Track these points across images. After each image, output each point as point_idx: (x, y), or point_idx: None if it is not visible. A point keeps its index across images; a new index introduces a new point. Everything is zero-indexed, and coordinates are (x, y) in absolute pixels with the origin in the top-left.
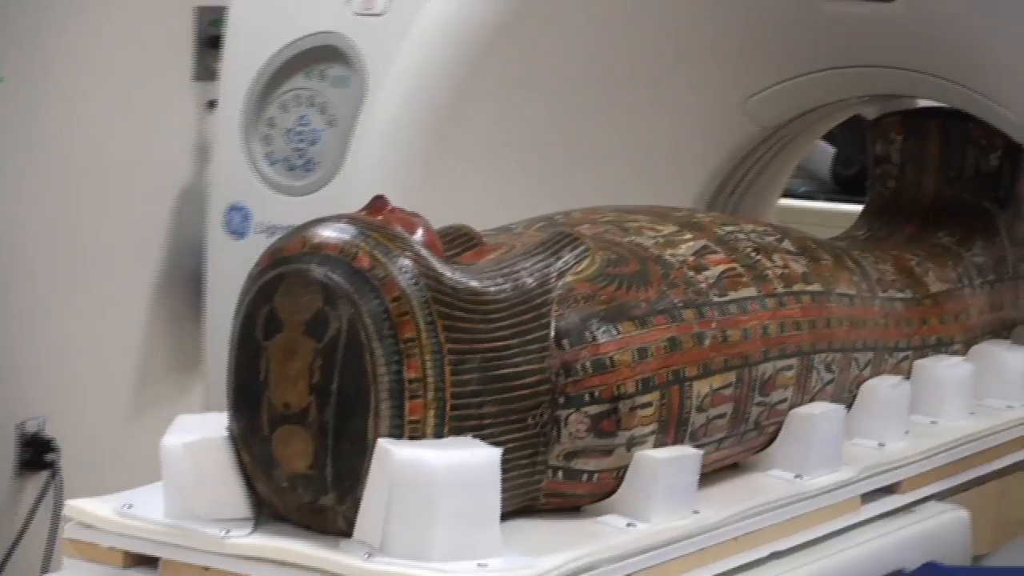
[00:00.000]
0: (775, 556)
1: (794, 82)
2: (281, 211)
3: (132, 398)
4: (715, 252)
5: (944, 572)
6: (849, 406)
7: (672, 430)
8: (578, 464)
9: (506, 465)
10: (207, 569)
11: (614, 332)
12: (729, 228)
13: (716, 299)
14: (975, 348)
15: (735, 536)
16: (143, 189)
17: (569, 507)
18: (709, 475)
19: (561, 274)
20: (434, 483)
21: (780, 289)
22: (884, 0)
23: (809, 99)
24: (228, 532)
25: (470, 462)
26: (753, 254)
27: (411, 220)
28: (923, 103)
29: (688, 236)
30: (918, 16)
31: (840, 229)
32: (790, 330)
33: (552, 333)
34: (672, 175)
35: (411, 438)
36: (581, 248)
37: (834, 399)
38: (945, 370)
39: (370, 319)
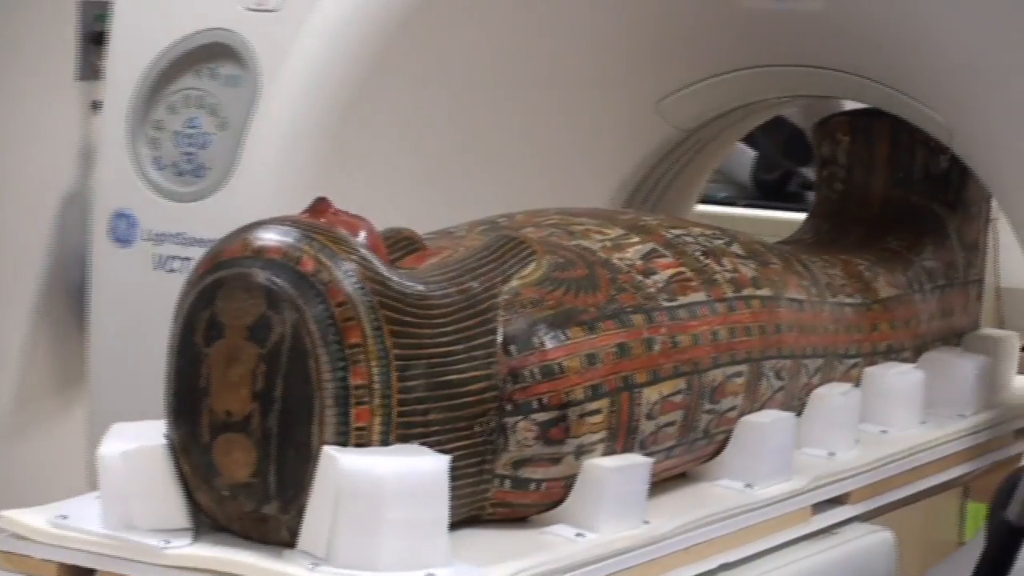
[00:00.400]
0: (724, 568)
1: (709, 82)
2: (169, 218)
3: (12, 416)
4: (663, 256)
5: None
6: (798, 414)
7: (621, 438)
8: (526, 473)
9: (453, 474)
10: None
11: (562, 338)
12: (677, 231)
13: (665, 304)
14: (926, 355)
15: (686, 546)
16: (23, 195)
17: (516, 517)
18: (658, 485)
19: (506, 278)
20: (381, 492)
21: (730, 294)
22: None
23: (726, 100)
24: (168, 542)
25: (418, 470)
26: (702, 258)
27: (354, 223)
28: (850, 105)
29: (636, 240)
30: (839, 13)
31: (762, 237)
32: (740, 336)
33: (499, 339)
34: (583, 178)
35: (357, 446)
36: (527, 252)
37: (784, 407)
38: (896, 378)
39: (315, 324)
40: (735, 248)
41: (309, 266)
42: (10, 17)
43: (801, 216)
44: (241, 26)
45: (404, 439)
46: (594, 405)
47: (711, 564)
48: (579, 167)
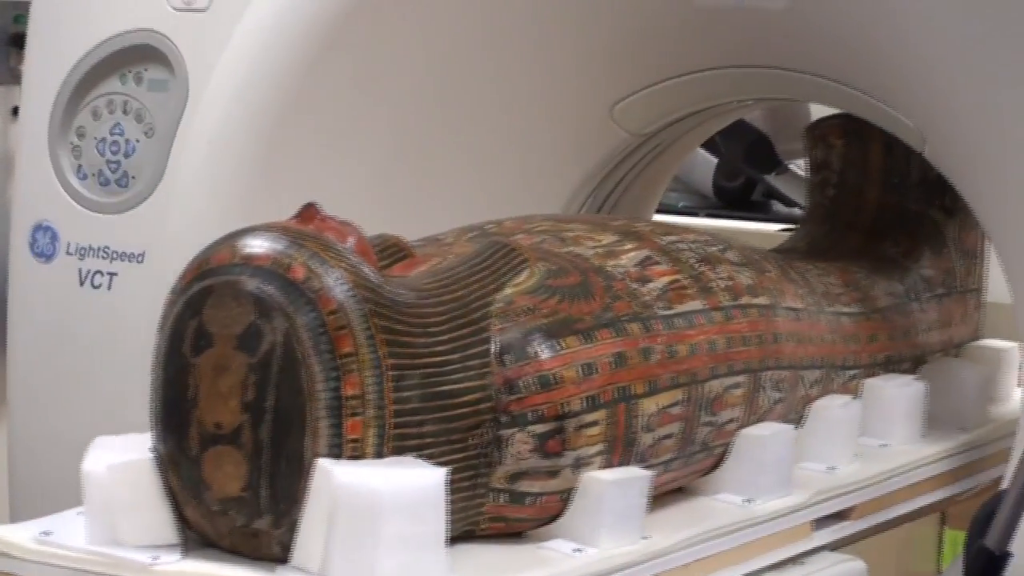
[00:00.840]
0: None
1: (666, 85)
2: (93, 231)
3: None
4: (658, 263)
5: None
6: (797, 427)
7: (619, 451)
8: (522, 486)
9: (447, 488)
10: None
11: (558, 347)
12: (671, 238)
13: (662, 312)
14: (926, 366)
15: (686, 562)
16: None
17: (511, 532)
18: (655, 499)
19: (499, 286)
20: (378, 505)
21: (726, 302)
22: None
23: (683, 103)
24: (156, 558)
25: (416, 484)
26: (697, 265)
27: (343, 229)
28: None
29: (629, 246)
30: (803, 12)
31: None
32: (738, 346)
33: (493, 348)
34: (534, 186)
35: (351, 458)
36: (519, 259)
37: (782, 419)
38: (896, 389)
39: (306, 333)
40: (730, 255)
41: (299, 273)
42: None
43: (766, 227)
44: (168, 27)
45: (399, 451)
46: (591, 416)
47: None
48: (529, 174)
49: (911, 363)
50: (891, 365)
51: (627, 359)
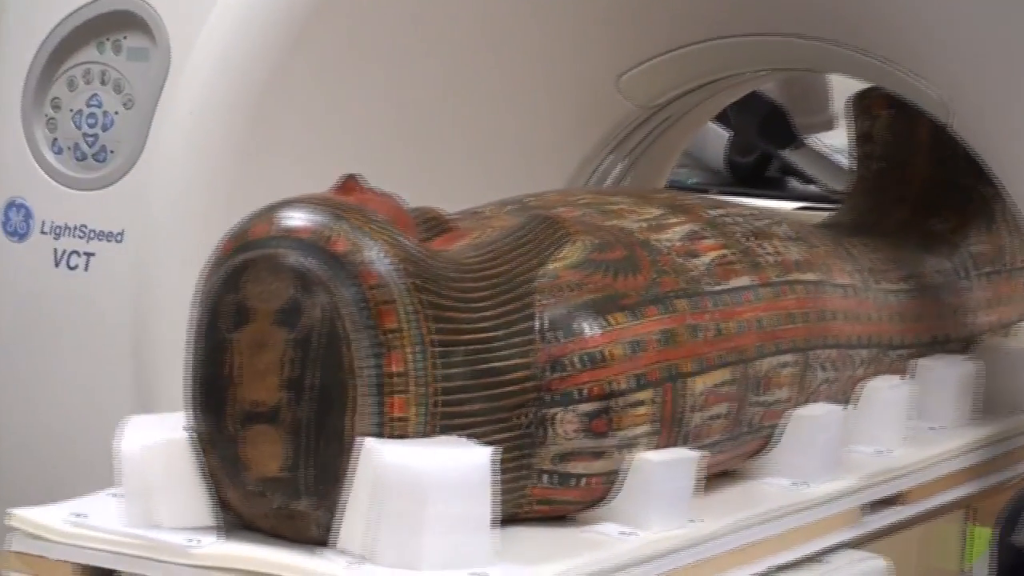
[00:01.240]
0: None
1: (674, 55)
2: (69, 208)
3: None
4: (705, 237)
5: None
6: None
7: (666, 431)
8: (567, 468)
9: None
10: None
11: (604, 323)
12: (717, 211)
13: (709, 288)
14: (978, 345)
15: (734, 547)
16: None
17: (556, 515)
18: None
19: (543, 261)
20: (424, 485)
21: (775, 278)
22: None
23: (693, 74)
24: (194, 541)
25: (463, 463)
26: (745, 240)
27: (384, 201)
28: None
29: (675, 220)
30: None
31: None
32: (786, 323)
33: (537, 325)
34: (536, 161)
35: (394, 437)
36: (562, 233)
37: (831, 400)
38: (946, 369)
39: (348, 308)
40: (778, 229)
41: (341, 246)
42: None
43: (782, 205)
44: None
45: (443, 430)
46: (639, 396)
47: (760, 566)
48: (531, 149)
49: (960, 343)
50: (939, 345)
51: (675, 336)
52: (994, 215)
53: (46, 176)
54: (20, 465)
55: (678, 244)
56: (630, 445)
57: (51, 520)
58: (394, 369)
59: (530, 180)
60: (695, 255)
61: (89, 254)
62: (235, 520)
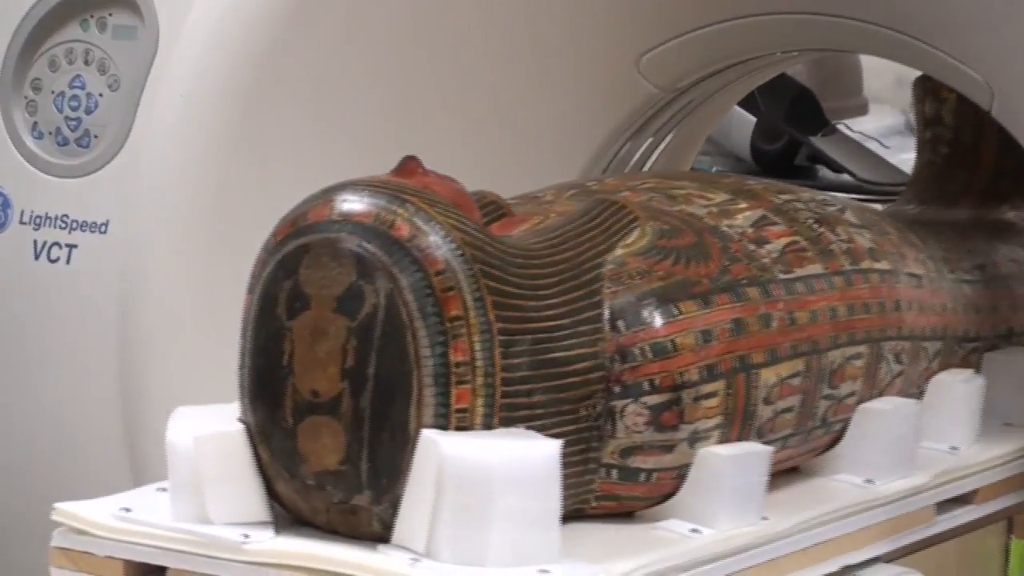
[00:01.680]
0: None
1: (698, 34)
2: (50, 197)
3: None
4: (775, 223)
5: None
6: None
7: (737, 425)
8: (635, 462)
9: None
10: None
11: (675, 312)
12: (785, 196)
13: (781, 276)
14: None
15: (806, 546)
16: None
17: (622, 511)
18: (770, 479)
19: (610, 247)
20: (490, 479)
21: (847, 266)
22: None
23: (718, 55)
24: (248, 536)
25: (530, 456)
26: (815, 226)
27: (445, 184)
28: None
29: (743, 205)
30: None
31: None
32: (859, 313)
33: (605, 313)
34: (552, 147)
35: (457, 429)
36: (630, 218)
37: (902, 394)
38: (1020, 364)
39: (411, 295)
40: (848, 216)
41: (404, 231)
42: None
43: None
44: None
45: (508, 422)
46: (709, 387)
47: (832, 566)
48: (548, 133)
49: None
50: (1013, 337)
51: (746, 326)
52: None
53: (25, 163)
54: (1, 463)
55: (749, 230)
56: (700, 439)
57: (98, 515)
58: (459, 358)
59: (545, 166)
60: (765, 242)
61: (71, 246)
62: (288, 516)
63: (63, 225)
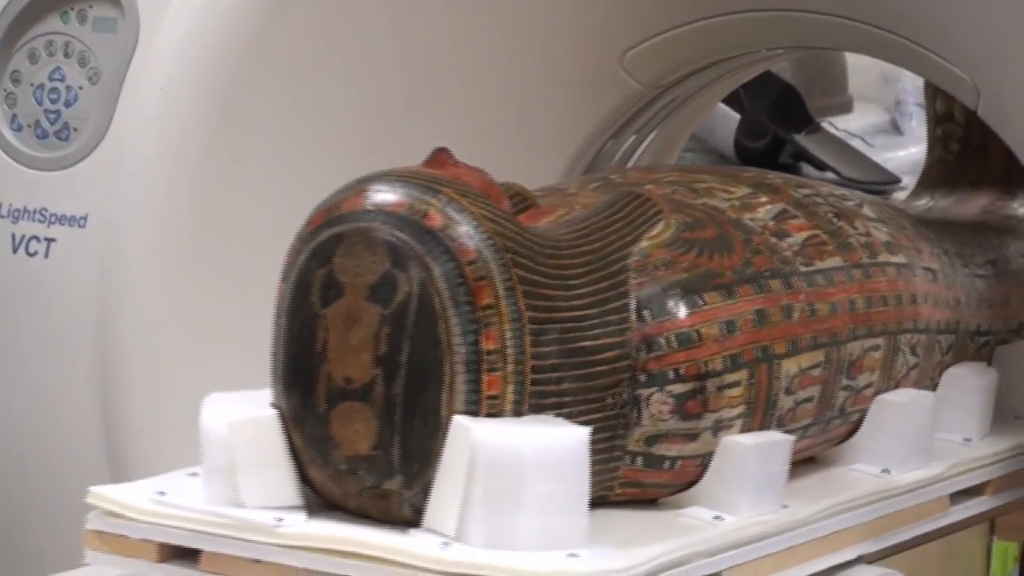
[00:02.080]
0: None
1: (683, 31)
2: (28, 190)
3: None
4: (795, 217)
5: None
6: None
7: (759, 414)
8: (660, 450)
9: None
10: (257, 562)
11: (699, 303)
12: (805, 191)
13: (802, 268)
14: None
15: (825, 534)
16: None
17: (646, 498)
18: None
19: (636, 238)
20: (521, 465)
21: (865, 259)
22: None
23: (702, 52)
24: (281, 520)
25: (559, 442)
26: (835, 220)
27: (476, 175)
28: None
29: (764, 199)
30: None
31: None
32: (877, 306)
33: (631, 303)
34: (534, 144)
35: (488, 415)
36: (654, 210)
37: (917, 386)
38: None
39: (444, 283)
40: (866, 210)
41: (436, 221)
42: None
43: None
44: None
45: (536, 409)
46: (733, 377)
47: (850, 554)
48: (529, 129)
49: None
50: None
51: (769, 317)
52: None
53: (4, 155)
54: None
55: (770, 223)
56: (723, 427)
57: (133, 498)
58: (490, 346)
59: (529, 162)
60: (786, 235)
61: (50, 239)
62: (319, 500)
63: (42, 219)
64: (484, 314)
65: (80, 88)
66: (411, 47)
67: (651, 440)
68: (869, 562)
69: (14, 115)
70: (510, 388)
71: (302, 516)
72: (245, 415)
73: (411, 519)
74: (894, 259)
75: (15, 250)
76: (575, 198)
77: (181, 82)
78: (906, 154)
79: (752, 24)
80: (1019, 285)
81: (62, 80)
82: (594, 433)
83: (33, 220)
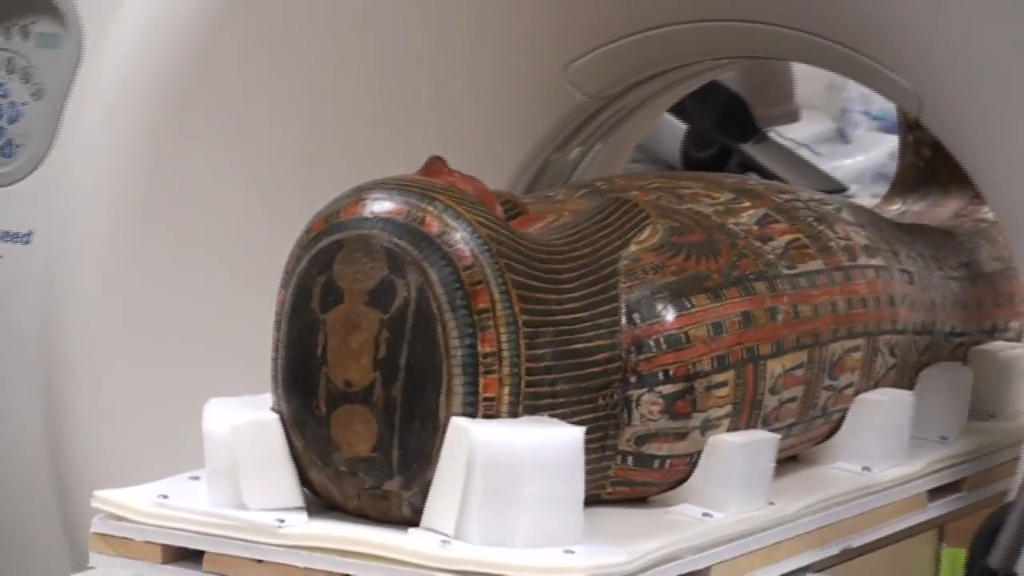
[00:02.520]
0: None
1: (627, 42)
2: None
3: None
4: (777, 221)
5: None
6: None
7: (746, 413)
8: (650, 449)
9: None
10: (260, 562)
11: (687, 305)
12: (786, 196)
13: (786, 271)
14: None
15: (810, 529)
16: None
17: (636, 497)
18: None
19: (625, 243)
20: (518, 464)
21: (845, 262)
22: None
23: (647, 63)
24: (283, 521)
25: (555, 442)
26: (815, 224)
27: (470, 182)
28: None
29: (747, 204)
30: None
31: None
32: (857, 307)
33: (622, 307)
34: (479, 155)
35: (485, 417)
36: (642, 216)
37: (896, 386)
38: (1007, 357)
39: (441, 288)
40: (845, 214)
41: (433, 227)
42: None
43: None
44: None
45: (531, 411)
46: (720, 377)
47: (833, 549)
48: (473, 142)
49: (1016, 332)
50: (997, 333)
51: (754, 319)
52: None
53: None
54: None
55: (754, 228)
56: (712, 427)
57: (136, 501)
58: (487, 349)
59: (474, 174)
60: (769, 238)
61: None
62: (319, 502)
63: None
64: (481, 318)
65: (24, 104)
66: (354, 62)
67: (641, 440)
68: (817, 571)
69: None
70: (506, 390)
71: (303, 517)
72: (247, 419)
73: (410, 519)
74: (872, 262)
75: None
76: (564, 205)
77: (126, 98)
78: (853, 162)
79: (696, 34)
80: (991, 287)
81: (5, 96)
82: (587, 433)
83: None
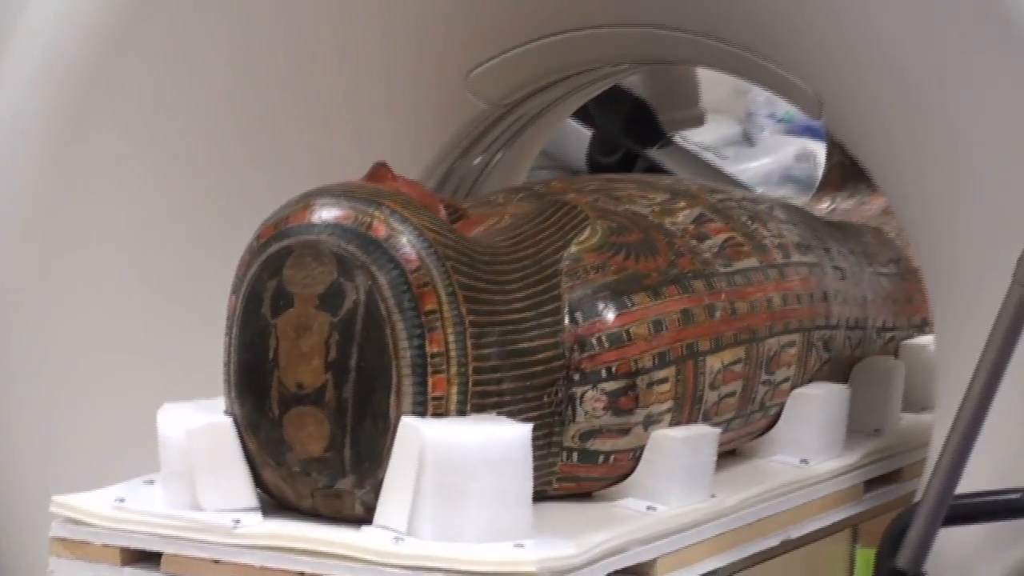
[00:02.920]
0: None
1: (526, 49)
2: None
3: None
4: (712, 220)
5: None
6: None
7: (687, 408)
8: (594, 445)
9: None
10: (216, 562)
11: (628, 304)
12: (719, 196)
13: (722, 269)
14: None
15: (751, 521)
16: None
17: (581, 492)
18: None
19: (565, 244)
20: (468, 461)
21: (779, 260)
22: None
23: (547, 69)
24: (238, 522)
25: (504, 439)
26: (749, 222)
27: (415, 187)
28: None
29: (683, 204)
30: None
31: None
32: (792, 303)
33: (564, 306)
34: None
35: (434, 415)
36: (581, 217)
37: (830, 380)
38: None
39: (390, 291)
40: (778, 212)
41: (381, 232)
42: None
43: None
44: None
45: (479, 409)
46: (661, 373)
47: (773, 541)
48: (376, 150)
49: None
50: (927, 327)
51: (693, 316)
52: None
53: None
54: None
55: (690, 227)
56: (654, 422)
57: (94, 505)
58: (435, 349)
59: None
60: (706, 237)
61: None
62: (273, 502)
63: None
64: (428, 319)
65: None
66: (257, 69)
67: (586, 436)
68: (732, 573)
69: None
70: (454, 389)
71: (258, 517)
72: (202, 422)
73: (363, 517)
74: (806, 259)
75: None
76: (504, 208)
77: (28, 110)
78: (758, 165)
79: (596, 41)
80: (920, 283)
81: None
82: (533, 430)
83: None
